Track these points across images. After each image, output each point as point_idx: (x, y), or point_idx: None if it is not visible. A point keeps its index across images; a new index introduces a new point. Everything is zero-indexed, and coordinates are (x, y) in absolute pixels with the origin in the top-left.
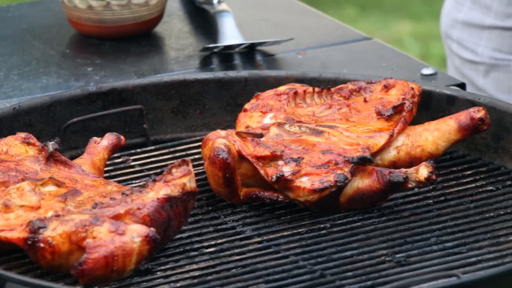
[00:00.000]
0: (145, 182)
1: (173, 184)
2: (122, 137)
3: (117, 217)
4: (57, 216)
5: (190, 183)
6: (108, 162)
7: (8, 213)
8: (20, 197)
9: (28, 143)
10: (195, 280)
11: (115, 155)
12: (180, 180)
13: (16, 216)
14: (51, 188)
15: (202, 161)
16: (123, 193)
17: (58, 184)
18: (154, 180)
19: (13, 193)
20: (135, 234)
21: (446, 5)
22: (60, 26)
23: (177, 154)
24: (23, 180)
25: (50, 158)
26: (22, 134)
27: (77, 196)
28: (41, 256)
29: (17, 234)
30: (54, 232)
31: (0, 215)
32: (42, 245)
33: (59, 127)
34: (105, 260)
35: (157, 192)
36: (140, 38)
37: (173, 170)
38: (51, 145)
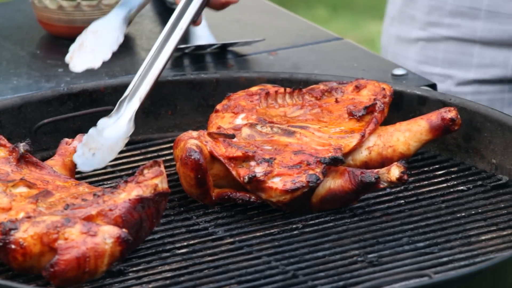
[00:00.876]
0: (116, 183)
1: (145, 185)
2: None
3: (88, 218)
4: (29, 217)
5: (162, 184)
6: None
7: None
8: None
9: None
10: (168, 281)
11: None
12: (152, 181)
13: None
14: (22, 189)
15: (174, 162)
16: (94, 194)
17: (29, 185)
18: (126, 181)
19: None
20: (107, 235)
21: (384, 22)
22: (30, 27)
23: (149, 155)
24: None
25: (21, 160)
26: None
27: (49, 197)
28: (12, 257)
29: None
30: (25, 234)
31: None
32: (13, 246)
33: (30, 128)
34: (77, 262)
35: (128, 193)
36: None
37: (145, 171)
38: (22, 146)
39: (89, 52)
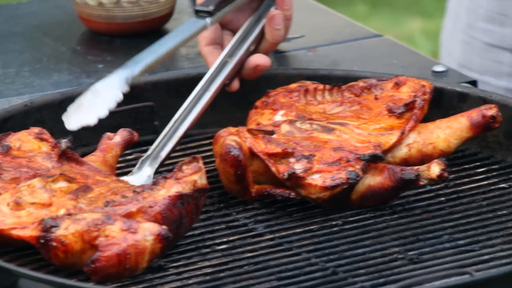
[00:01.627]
0: (156, 180)
1: (184, 181)
2: (135, 133)
3: (129, 216)
4: (69, 214)
5: (201, 180)
6: (120, 159)
7: (20, 211)
8: (31, 194)
9: (42, 139)
10: (208, 277)
11: (127, 152)
12: (191, 177)
13: (28, 214)
14: (62, 184)
15: (213, 158)
16: (134, 191)
17: (69, 180)
18: (165, 178)
19: (24, 191)
20: (148, 232)
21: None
22: (70, 23)
23: (188, 151)
24: (34, 176)
25: (63, 156)
26: (36, 129)
27: (88, 192)
28: (54, 254)
29: (29, 232)
30: (66, 231)
31: (11, 212)
32: (54, 244)
33: None
34: (118, 258)
35: (168, 190)
36: (150, 35)
37: (184, 167)
38: (64, 143)
39: (85, 110)
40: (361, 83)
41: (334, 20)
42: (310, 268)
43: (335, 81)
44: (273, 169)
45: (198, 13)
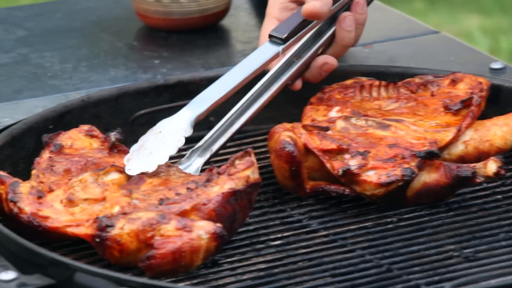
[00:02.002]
0: (209, 176)
1: (237, 177)
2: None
3: (183, 214)
4: (124, 213)
5: (254, 174)
6: (176, 154)
7: (73, 207)
8: (83, 190)
9: (92, 136)
10: (262, 273)
11: (182, 147)
12: (243, 172)
13: (81, 210)
14: (113, 176)
15: (268, 154)
16: (188, 188)
17: (120, 170)
18: (218, 173)
19: (76, 186)
20: (202, 231)
21: None
22: (128, 18)
23: (243, 147)
24: (85, 165)
25: (113, 149)
26: (85, 127)
27: (141, 184)
28: (110, 253)
29: (84, 230)
30: (121, 231)
31: (65, 209)
32: (110, 243)
33: (127, 119)
34: (173, 256)
35: (221, 187)
36: (207, 31)
37: (236, 162)
38: (113, 135)
39: (147, 155)
40: (417, 80)
41: (390, 16)
42: (365, 265)
43: (391, 77)
44: (328, 165)
45: (271, 38)
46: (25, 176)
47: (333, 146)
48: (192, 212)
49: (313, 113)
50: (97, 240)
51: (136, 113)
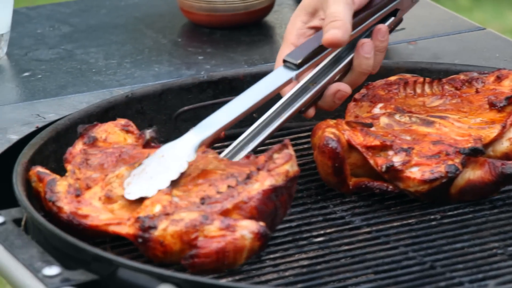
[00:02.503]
0: (249, 172)
1: (276, 173)
2: None
3: (225, 213)
4: (166, 214)
5: (293, 167)
6: (218, 150)
7: (112, 204)
8: (121, 186)
9: (127, 131)
10: (304, 269)
11: (226, 143)
12: (283, 167)
13: (120, 207)
14: None
15: (311, 151)
16: (228, 186)
17: None
18: (258, 169)
19: (114, 183)
20: (246, 231)
21: None
22: (172, 15)
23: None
24: (119, 156)
25: (147, 145)
26: (122, 121)
27: (180, 177)
28: (153, 254)
29: (126, 229)
30: (165, 232)
31: (104, 206)
32: (153, 244)
33: (170, 115)
34: (216, 255)
35: (262, 183)
36: (250, 27)
37: (275, 156)
38: (148, 133)
39: (147, 179)
40: (462, 76)
41: (435, 12)
42: (408, 262)
43: (435, 74)
44: (371, 161)
45: (286, 63)
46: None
47: (377, 142)
48: (234, 211)
49: (357, 110)
50: (140, 240)
51: (179, 109)
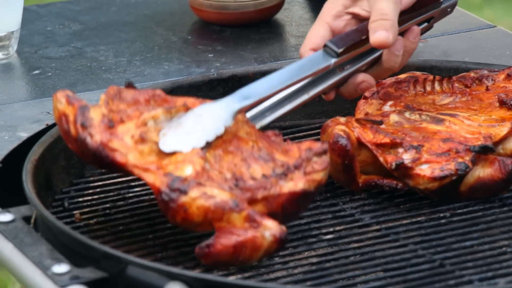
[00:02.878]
0: (287, 168)
1: (312, 178)
2: None
3: (253, 201)
4: (199, 183)
5: (326, 176)
6: None
7: (143, 145)
8: (156, 131)
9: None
10: (313, 267)
11: None
12: (319, 174)
13: (150, 150)
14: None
15: None
16: (263, 175)
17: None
18: (295, 167)
19: (149, 124)
20: (269, 232)
21: None
22: (182, 12)
23: (296, 141)
24: (153, 96)
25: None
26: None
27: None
28: (171, 216)
29: (152, 178)
30: (193, 202)
31: (135, 146)
32: (176, 208)
33: None
34: (233, 249)
35: (295, 185)
36: (260, 25)
37: (314, 159)
38: None
39: (184, 134)
40: (472, 74)
41: None
42: (417, 260)
43: (445, 72)
44: (381, 159)
45: (326, 48)
46: (78, 169)
47: (387, 140)
48: (261, 202)
49: (367, 107)
50: (164, 198)
51: None
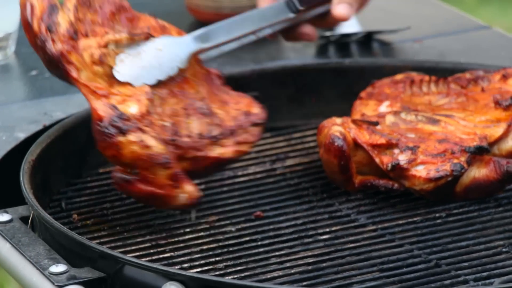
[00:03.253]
0: (220, 133)
1: (240, 149)
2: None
3: (182, 158)
4: (139, 129)
5: (249, 149)
6: None
7: (97, 66)
8: (113, 56)
9: None
10: (310, 267)
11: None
12: (247, 146)
13: (103, 73)
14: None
15: (317, 149)
16: (199, 134)
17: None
18: (231, 133)
19: (110, 47)
20: (185, 196)
21: None
22: (179, 13)
23: (292, 142)
24: (119, 11)
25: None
26: None
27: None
28: (102, 147)
29: (96, 104)
30: (128, 145)
31: (91, 65)
32: (110, 143)
33: None
34: (147, 195)
35: (223, 153)
36: None
37: (249, 129)
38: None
39: (139, 66)
40: (467, 75)
41: (441, 11)
42: (413, 260)
43: (441, 73)
44: (377, 160)
45: (289, 2)
46: (76, 170)
47: (383, 141)
48: (189, 160)
49: (363, 108)
50: (103, 129)
51: None
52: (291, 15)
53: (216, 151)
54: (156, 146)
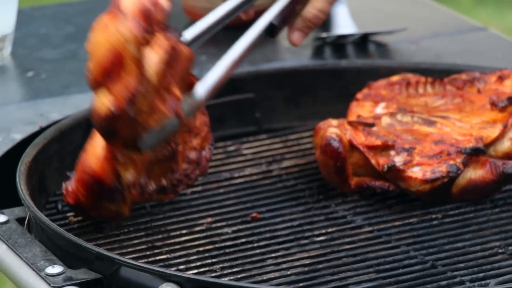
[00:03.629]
0: (169, 184)
1: (177, 190)
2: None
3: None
4: (136, 183)
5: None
6: (220, 150)
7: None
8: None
9: None
10: (306, 268)
11: (228, 143)
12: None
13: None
14: None
15: (313, 150)
16: (158, 184)
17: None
18: (178, 181)
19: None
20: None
21: None
22: (175, 14)
23: (289, 143)
24: None
25: None
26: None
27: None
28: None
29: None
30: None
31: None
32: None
33: None
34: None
35: (166, 197)
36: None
37: (191, 176)
38: None
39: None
40: (463, 76)
41: (437, 13)
42: (409, 261)
43: (437, 74)
44: (373, 161)
45: None
46: (71, 169)
47: (378, 142)
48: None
49: (359, 109)
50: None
51: None
52: None
53: (159, 197)
54: (130, 174)
